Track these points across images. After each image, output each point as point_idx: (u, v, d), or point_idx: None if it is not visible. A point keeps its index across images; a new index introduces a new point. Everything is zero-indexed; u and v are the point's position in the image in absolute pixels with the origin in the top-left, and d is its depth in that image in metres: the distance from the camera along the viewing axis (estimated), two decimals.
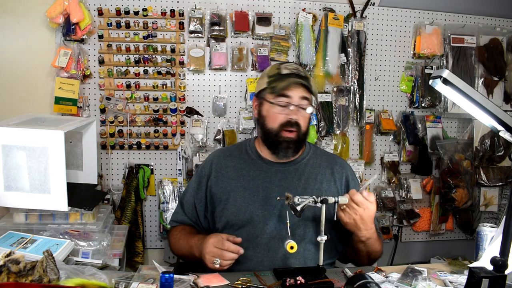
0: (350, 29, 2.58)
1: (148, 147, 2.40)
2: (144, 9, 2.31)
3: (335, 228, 1.55)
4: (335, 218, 1.38)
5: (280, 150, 1.57)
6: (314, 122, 2.52)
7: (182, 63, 2.38)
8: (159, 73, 2.36)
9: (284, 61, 1.72)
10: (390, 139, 2.73)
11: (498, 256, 1.03)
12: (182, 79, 2.39)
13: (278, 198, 1.45)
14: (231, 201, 1.57)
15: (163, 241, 2.50)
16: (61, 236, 1.53)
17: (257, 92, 1.65)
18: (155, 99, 2.37)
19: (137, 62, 2.34)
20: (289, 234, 1.33)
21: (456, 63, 2.68)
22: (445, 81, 1.01)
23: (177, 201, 2.35)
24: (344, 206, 1.36)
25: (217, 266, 1.31)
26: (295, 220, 1.46)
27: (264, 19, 2.42)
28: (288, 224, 1.35)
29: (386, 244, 2.78)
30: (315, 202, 1.30)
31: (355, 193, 1.35)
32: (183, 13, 2.36)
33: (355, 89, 2.60)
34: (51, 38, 2.26)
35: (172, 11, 2.34)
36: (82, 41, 2.28)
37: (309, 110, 1.56)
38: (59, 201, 1.52)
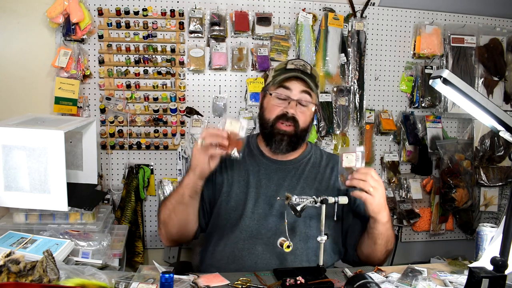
0: (350, 29, 2.58)
1: (148, 147, 2.40)
2: (144, 9, 2.31)
3: (337, 228, 1.54)
4: (335, 218, 1.37)
5: (274, 142, 1.55)
6: (314, 122, 2.52)
7: (182, 63, 2.38)
8: (159, 73, 2.36)
9: (295, 58, 1.87)
10: (390, 139, 2.73)
11: (498, 256, 1.03)
12: (182, 79, 2.39)
13: (278, 198, 1.45)
14: (231, 193, 1.56)
15: None
16: (61, 236, 1.53)
17: (264, 86, 1.69)
18: (155, 99, 2.37)
19: (137, 62, 2.34)
20: (287, 234, 1.32)
21: (456, 63, 2.68)
22: (445, 81, 1.01)
23: None
24: (371, 188, 1.32)
25: (200, 143, 1.34)
26: (300, 218, 1.42)
27: (264, 19, 2.42)
28: (286, 223, 1.33)
29: None
30: (315, 202, 1.30)
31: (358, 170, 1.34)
32: (183, 13, 2.36)
33: (355, 89, 2.60)
34: (51, 38, 2.26)
35: (172, 11, 2.34)
36: (82, 41, 2.27)
37: (311, 107, 1.55)
38: (59, 201, 1.52)
